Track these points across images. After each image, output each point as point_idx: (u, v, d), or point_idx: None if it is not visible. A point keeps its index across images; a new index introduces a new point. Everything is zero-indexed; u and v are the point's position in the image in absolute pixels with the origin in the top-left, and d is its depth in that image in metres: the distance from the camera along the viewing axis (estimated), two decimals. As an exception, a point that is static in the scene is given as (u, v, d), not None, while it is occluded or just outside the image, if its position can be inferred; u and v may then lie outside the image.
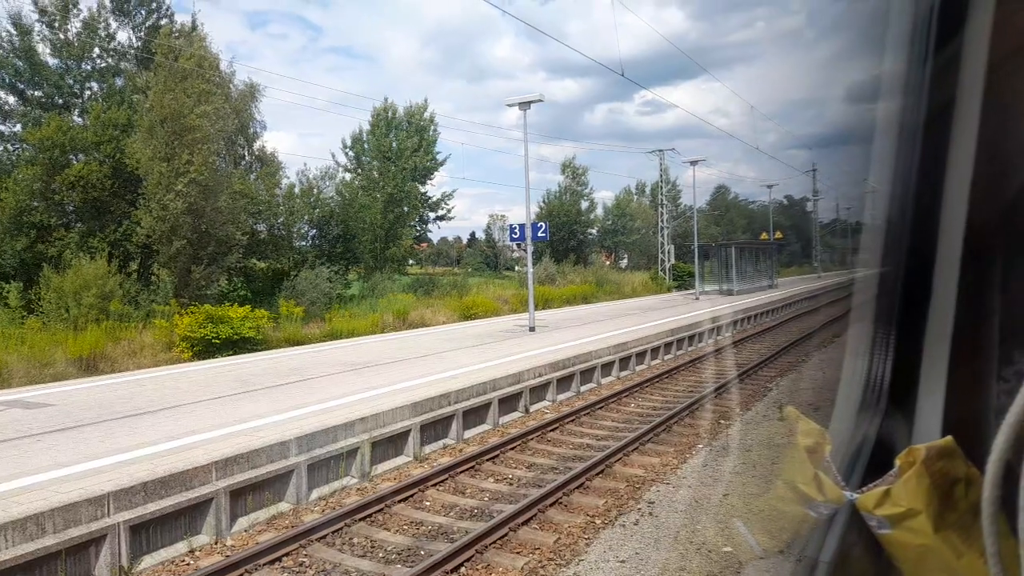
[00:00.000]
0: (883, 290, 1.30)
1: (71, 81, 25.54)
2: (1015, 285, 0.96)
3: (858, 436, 1.32)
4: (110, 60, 26.10)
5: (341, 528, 6.87)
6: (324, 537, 6.68)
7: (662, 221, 49.30)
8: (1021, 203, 0.95)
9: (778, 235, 59.62)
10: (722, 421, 11.42)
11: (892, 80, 1.20)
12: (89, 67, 25.77)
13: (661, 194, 51.20)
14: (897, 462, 0.97)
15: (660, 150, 50.56)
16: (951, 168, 1.05)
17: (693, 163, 38.34)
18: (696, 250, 38.58)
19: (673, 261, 48.30)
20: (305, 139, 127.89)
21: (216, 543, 6.73)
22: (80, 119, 24.84)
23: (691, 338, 19.80)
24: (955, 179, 1.05)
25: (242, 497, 7.18)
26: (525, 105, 19.93)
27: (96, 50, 25.65)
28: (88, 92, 26.12)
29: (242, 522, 7.09)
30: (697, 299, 34.07)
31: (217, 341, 17.19)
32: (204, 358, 16.63)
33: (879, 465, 1.07)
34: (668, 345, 18.30)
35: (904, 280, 1.20)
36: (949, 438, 0.97)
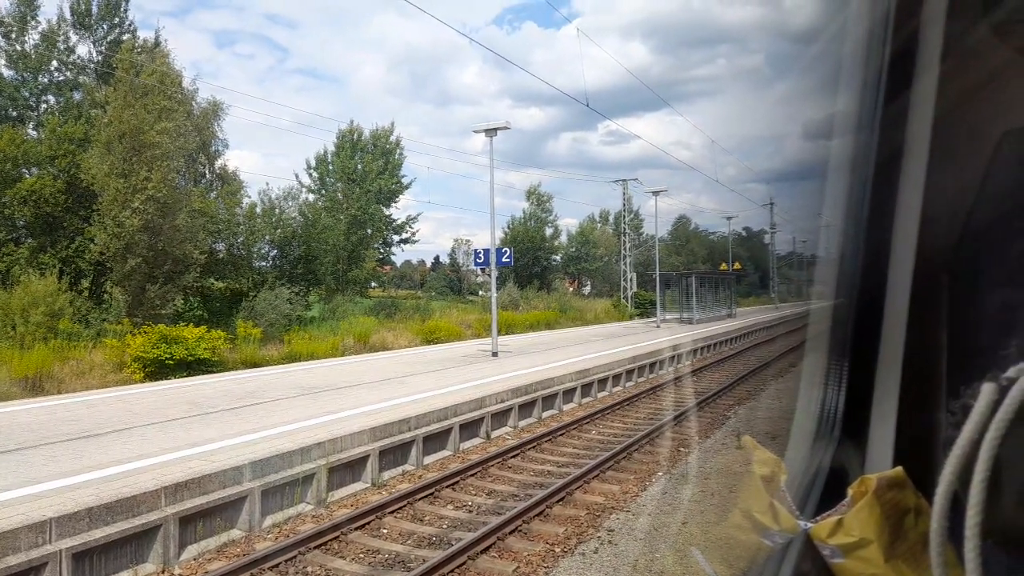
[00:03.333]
0: (837, 322, 1.33)
1: (26, 93, 24.97)
2: (961, 320, 1.00)
3: (812, 465, 1.35)
4: (69, 74, 25.62)
5: (295, 556, 6.69)
6: (277, 566, 6.49)
7: (625, 249, 49.92)
8: (966, 243, 0.99)
9: (737, 266, 60.81)
10: (681, 449, 11.49)
11: (846, 121, 1.25)
12: (46, 80, 25.23)
13: (624, 223, 51.91)
14: (850, 491, 0.99)
15: (623, 180, 51.44)
16: (901, 206, 1.09)
17: (655, 193, 39.01)
18: (657, 279, 39.08)
19: (635, 289, 48.84)
20: (270, 159, 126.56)
21: (163, 572, 6.48)
22: (35, 132, 24.25)
23: (652, 365, 19.96)
24: (904, 217, 1.09)
25: (192, 524, 6.95)
26: (491, 132, 20.11)
27: (54, 63, 25.14)
28: (44, 105, 25.56)
29: (191, 550, 6.86)
30: (658, 327, 34.43)
31: (171, 362, 16.73)
32: (157, 379, 16.17)
33: (833, 494, 1.09)
34: (629, 372, 18.42)
35: (857, 312, 1.23)
36: (899, 468, 0.99)
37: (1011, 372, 0.75)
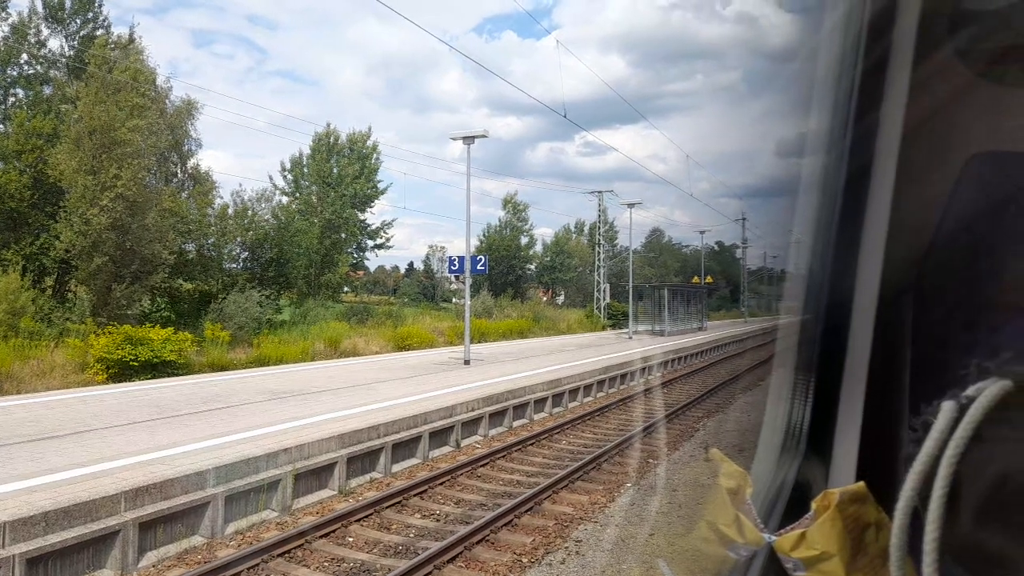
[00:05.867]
0: (804, 337, 1.35)
1: (-6, 86, 24.42)
2: (924, 339, 1.02)
3: (778, 479, 1.36)
4: (39, 67, 25.08)
5: (257, 564, 6.57)
6: (239, 574, 6.37)
7: (599, 260, 50.20)
8: (930, 263, 1.01)
9: (709, 279, 61.49)
10: (650, 460, 11.55)
11: (817, 140, 1.27)
12: (15, 73, 24.70)
13: (599, 234, 52.23)
14: (813, 505, 1.00)
15: (599, 191, 51.83)
16: (868, 225, 1.11)
17: (630, 206, 39.34)
18: (631, 290, 39.35)
19: (608, 300, 49.10)
20: (244, 160, 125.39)
21: (120, 579, 6.33)
22: (1, 126, 23.70)
23: (623, 376, 20.06)
24: (871, 236, 1.11)
25: (152, 529, 6.80)
26: (469, 139, 20.11)
27: (24, 56, 24.62)
28: (12, 98, 25.01)
29: (151, 556, 6.70)
30: (630, 338, 34.63)
31: (135, 364, 16.40)
32: (120, 381, 15.83)
33: (797, 507, 1.10)
34: (600, 383, 18.48)
35: (824, 328, 1.25)
36: (862, 483, 1.00)
37: (970, 391, 0.77)
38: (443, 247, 68.31)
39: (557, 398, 15.90)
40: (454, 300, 57.24)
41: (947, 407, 0.78)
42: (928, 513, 0.75)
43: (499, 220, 54.93)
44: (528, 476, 10.13)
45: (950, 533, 0.75)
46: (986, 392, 0.76)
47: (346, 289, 46.34)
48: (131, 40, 24.58)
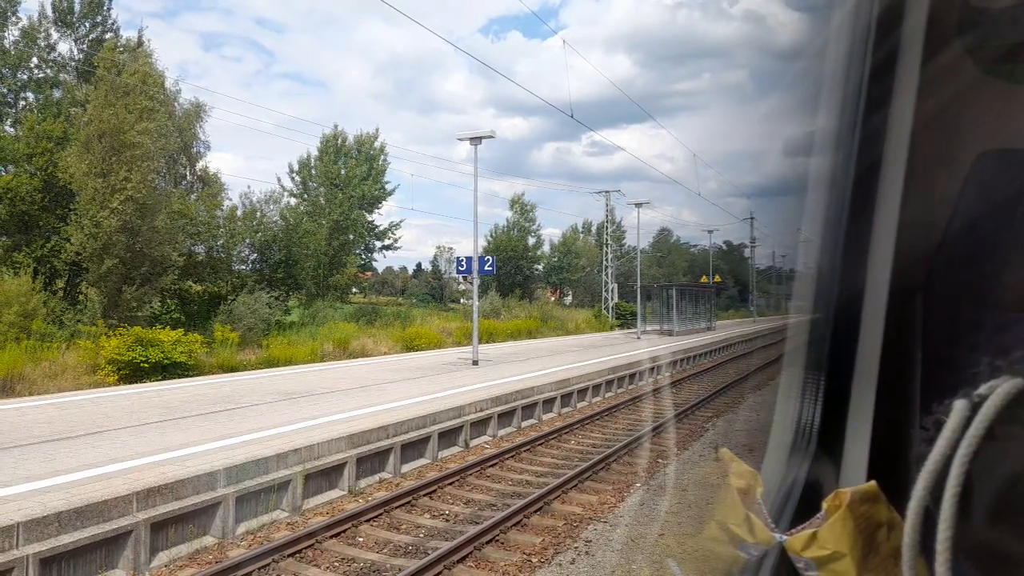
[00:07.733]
0: (814, 336, 1.34)
1: (5, 90, 24.62)
2: (935, 337, 1.01)
3: (788, 478, 1.35)
4: (49, 71, 25.25)
5: (268, 564, 6.60)
6: (250, 574, 6.40)
7: (607, 260, 50.12)
8: (940, 261, 1.01)
9: (717, 279, 61.29)
10: (659, 460, 11.52)
11: (825, 138, 1.27)
12: (25, 76, 24.89)
13: (606, 234, 52.14)
14: (824, 505, 1.00)
15: (606, 191, 51.70)
16: (877, 224, 1.11)
17: (638, 205, 39.26)
18: (639, 290, 39.28)
19: (616, 300, 49.04)
20: (252, 162, 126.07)
21: (132, 579, 6.37)
22: (12, 129, 23.88)
23: (631, 376, 20.02)
24: (881, 234, 1.10)
25: (164, 530, 6.84)
26: (476, 140, 20.13)
27: (34, 60, 24.81)
28: (23, 102, 25.19)
29: (162, 556, 6.75)
30: (638, 338, 34.56)
31: (146, 365, 16.49)
32: (131, 382, 15.92)
33: (808, 507, 1.10)
34: (609, 383, 18.46)
35: (833, 327, 1.24)
36: (873, 483, 1.00)
37: (982, 389, 0.77)
38: (451, 248, 68.48)
39: (566, 398, 15.88)
40: (462, 300, 57.33)
41: (959, 406, 0.77)
42: (940, 512, 0.75)
43: (506, 220, 54.96)
44: (537, 476, 10.13)
45: (962, 533, 0.75)
46: (998, 390, 0.75)
47: (354, 290, 46.45)
48: (140, 43, 24.72)
